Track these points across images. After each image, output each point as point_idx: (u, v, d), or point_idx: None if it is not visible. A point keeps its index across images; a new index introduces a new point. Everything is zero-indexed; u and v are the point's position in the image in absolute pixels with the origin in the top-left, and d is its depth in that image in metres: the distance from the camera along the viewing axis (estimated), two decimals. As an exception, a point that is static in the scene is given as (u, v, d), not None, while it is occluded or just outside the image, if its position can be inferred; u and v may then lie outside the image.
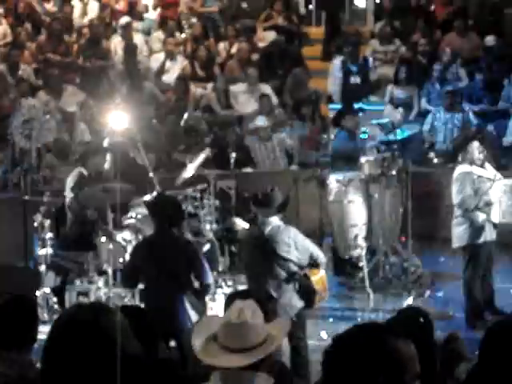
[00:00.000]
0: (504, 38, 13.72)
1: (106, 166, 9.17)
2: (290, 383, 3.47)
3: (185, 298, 6.95)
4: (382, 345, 2.31)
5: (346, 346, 2.34)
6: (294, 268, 7.01)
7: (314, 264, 7.10)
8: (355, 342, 2.34)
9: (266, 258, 7.00)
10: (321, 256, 7.16)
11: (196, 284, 7.07)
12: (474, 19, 14.29)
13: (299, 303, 7.06)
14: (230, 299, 4.44)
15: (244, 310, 3.35)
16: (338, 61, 13.71)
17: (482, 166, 8.59)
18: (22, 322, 4.16)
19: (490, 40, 13.59)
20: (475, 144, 8.56)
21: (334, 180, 9.90)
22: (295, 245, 6.97)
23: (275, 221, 7.06)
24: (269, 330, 3.41)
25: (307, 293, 7.04)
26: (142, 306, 8.66)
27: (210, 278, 7.19)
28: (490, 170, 8.68)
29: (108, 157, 9.09)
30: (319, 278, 7.12)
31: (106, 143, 9.06)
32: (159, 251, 7.04)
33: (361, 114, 11.04)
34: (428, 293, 9.70)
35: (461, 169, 8.60)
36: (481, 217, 8.47)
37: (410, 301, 9.30)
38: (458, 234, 8.59)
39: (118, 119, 8.85)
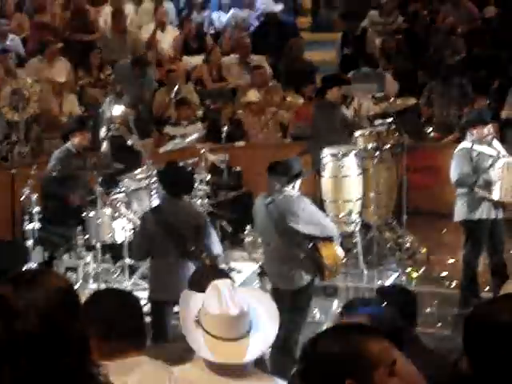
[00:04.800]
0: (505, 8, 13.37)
1: (102, 150, 9.05)
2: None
3: (191, 266, 6.79)
4: (350, 348, 2.31)
5: (316, 353, 2.35)
6: (300, 239, 6.86)
7: (326, 238, 6.95)
8: (324, 349, 2.35)
9: (274, 225, 6.87)
10: (330, 229, 7.01)
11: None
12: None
13: (305, 276, 6.92)
14: (199, 277, 4.19)
15: (234, 297, 3.16)
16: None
17: (489, 144, 8.38)
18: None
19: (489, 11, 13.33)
20: (489, 126, 8.34)
21: (328, 154, 9.68)
22: (303, 216, 6.82)
23: (290, 190, 6.91)
24: None
25: (316, 266, 6.90)
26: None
27: (219, 248, 7.12)
28: (496, 147, 8.44)
29: (105, 144, 8.98)
30: (330, 253, 6.96)
31: (102, 133, 8.94)
32: (168, 220, 6.95)
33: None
34: (423, 269, 9.54)
35: (462, 145, 8.42)
36: (478, 194, 8.29)
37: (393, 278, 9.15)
38: (457, 208, 8.45)
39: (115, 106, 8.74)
